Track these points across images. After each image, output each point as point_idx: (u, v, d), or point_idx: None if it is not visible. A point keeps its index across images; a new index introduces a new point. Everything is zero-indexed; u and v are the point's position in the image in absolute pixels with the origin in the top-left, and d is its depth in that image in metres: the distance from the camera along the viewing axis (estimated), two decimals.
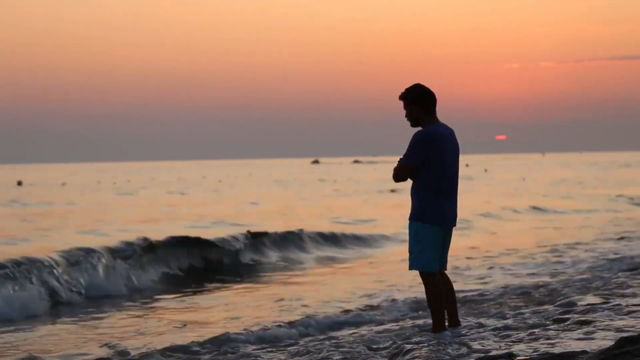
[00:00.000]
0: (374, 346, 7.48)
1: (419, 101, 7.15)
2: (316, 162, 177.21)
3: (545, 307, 9.36)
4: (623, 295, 9.43)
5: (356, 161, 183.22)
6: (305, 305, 10.77)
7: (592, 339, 6.74)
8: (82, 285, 13.14)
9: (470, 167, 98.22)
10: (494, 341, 6.96)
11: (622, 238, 19.28)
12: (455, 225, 7.25)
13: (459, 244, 17.31)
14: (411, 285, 11.92)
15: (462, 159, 7.40)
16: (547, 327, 7.45)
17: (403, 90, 7.21)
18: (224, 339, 8.43)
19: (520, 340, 6.88)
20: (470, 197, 36.75)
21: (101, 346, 8.51)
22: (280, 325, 9.15)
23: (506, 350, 6.47)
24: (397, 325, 8.89)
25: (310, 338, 8.64)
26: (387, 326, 8.94)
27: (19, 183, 72.15)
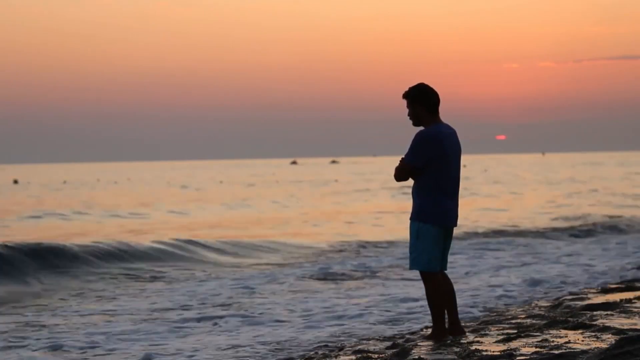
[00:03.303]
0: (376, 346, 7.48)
1: (421, 100, 7.14)
2: (294, 162, 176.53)
3: (545, 307, 9.37)
4: (621, 295, 9.44)
5: (334, 161, 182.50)
6: None
7: (593, 339, 6.74)
8: None
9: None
10: (494, 341, 6.97)
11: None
12: (456, 225, 7.23)
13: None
14: None
15: (462, 159, 7.37)
16: (547, 328, 7.45)
17: (407, 89, 7.20)
18: None
19: (520, 341, 6.89)
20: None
21: None
22: None
23: (506, 351, 6.47)
24: (398, 326, 8.90)
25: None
26: (388, 327, 8.94)
27: (15, 182, 72.19)
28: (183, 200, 41.36)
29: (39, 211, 32.63)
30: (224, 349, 8.00)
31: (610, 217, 25.10)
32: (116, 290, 12.56)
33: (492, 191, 44.12)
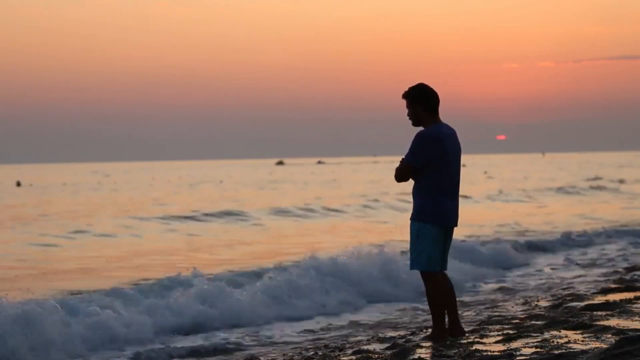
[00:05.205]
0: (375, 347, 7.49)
1: (421, 100, 7.14)
2: (281, 163, 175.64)
3: (545, 307, 9.37)
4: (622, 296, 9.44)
5: (320, 162, 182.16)
6: None
7: (593, 339, 6.74)
8: None
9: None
10: (494, 342, 6.97)
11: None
12: (456, 225, 7.23)
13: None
14: None
15: (462, 159, 7.37)
16: (547, 328, 7.45)
17: (407, 89, 7.20)
18: None
19: (520, 341, 6.89)
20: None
21: None
22: None
23: (506, 351, 6.47)
24: (398, 326, 8.91)
25: None
26: (387, 327, 8.94)
27: (18, 184, 72.15)
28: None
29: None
30: None
31: None
32: None
33: None
